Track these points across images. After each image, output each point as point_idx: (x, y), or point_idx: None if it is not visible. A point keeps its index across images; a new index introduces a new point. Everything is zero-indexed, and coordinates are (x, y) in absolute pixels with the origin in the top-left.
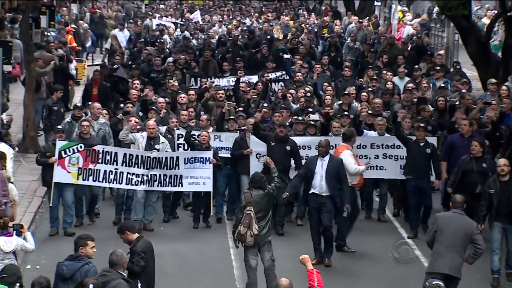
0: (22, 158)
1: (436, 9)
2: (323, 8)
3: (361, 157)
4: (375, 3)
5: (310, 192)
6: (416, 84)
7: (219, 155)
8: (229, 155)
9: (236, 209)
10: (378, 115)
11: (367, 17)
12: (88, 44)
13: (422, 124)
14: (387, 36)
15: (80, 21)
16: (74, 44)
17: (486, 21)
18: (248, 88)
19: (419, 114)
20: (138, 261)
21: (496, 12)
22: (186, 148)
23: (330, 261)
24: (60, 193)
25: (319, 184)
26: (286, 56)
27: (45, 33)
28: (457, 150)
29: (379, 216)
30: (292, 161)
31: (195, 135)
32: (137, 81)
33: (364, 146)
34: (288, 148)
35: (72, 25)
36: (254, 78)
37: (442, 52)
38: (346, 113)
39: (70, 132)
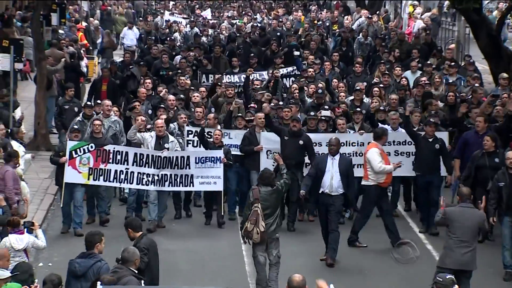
0: (30, 160)
1: (446, 2)
2: (334, 2)
3: None
4: None
5: (320, 191)
6: (429, 79)
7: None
8: (239, 153)
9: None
10: (394, 111)
11: (377, 12)
12: (99, 41)
13: (432, 120)
14: (397, 31)
15: (91, 19)
16: (85, 42)
17: (497, 14)
18: (259, 86)
19: (426, 109)
20: (141, 257)
21: (507, 5)
22: (195, 144)
23: (334, 260)
24: (70, 192)
25: (329, 183)
26: (296, 52)
27: (59, 30)
28: (471, 147)
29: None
30: (306, 157)
31: (205, 131)
32: (148, 80)
33: None
34: (301, 142)
35: (83, 23)
36: (264, 74)
37: (453, 46)
38: (358, 109)
39: (82, 131)
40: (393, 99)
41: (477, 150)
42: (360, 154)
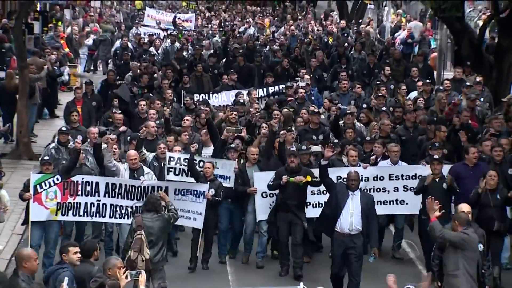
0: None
1: (429, 11)
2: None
3: (378, 190)
4: (368, 6)
5: (337, 231)
6: (426, 100)
7: None
8: (227, 185)
9: (235, 249)
10: (385, 137)
11: (360, 20)
12: (82, 51)
13: (436, 157)
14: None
15: (74, 27)
16: (67, 50)
17: (480, 23)
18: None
19: (434, 136)
20: None
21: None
22: (177, 172)
23: None
24: (42, 229)
25: (349, 221)
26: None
27: (43, 36)
28: (464, 182)
29: (393, 252)
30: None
31: (196, 160)
32: (143, 102)
33: (381, 178)
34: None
35: (66, 31)
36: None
37: (435, 54)
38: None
39: (58, 159)
40: (387, 125)
41: (471, 184)
42: (365, 190)
